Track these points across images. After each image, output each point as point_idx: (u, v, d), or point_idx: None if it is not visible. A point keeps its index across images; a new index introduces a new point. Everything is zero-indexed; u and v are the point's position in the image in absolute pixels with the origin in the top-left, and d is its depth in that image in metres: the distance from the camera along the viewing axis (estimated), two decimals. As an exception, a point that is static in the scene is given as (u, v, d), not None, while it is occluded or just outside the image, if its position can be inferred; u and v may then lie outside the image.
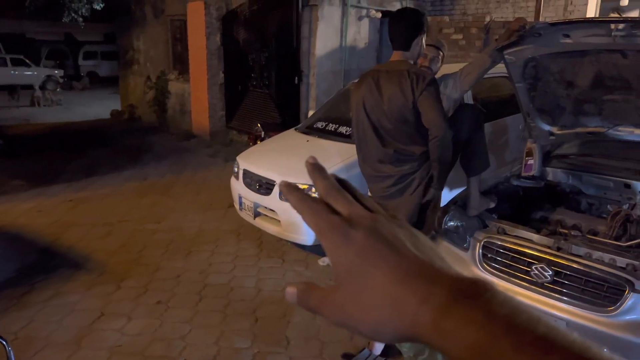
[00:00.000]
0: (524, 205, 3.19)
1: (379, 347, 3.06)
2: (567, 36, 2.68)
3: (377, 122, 2.84)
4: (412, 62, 2.87)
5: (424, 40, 2.91)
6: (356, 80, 5.51)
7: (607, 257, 2.39)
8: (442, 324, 0.36)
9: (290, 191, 0.47)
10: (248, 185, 4.66)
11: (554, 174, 3.38)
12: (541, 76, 3.05)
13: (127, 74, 12.85)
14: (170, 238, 4.97)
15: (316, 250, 4.45)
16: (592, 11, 6.66)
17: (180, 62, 10.53)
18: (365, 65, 7.78)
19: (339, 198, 0.46)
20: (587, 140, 3.36)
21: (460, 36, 7.68)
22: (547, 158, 3.46)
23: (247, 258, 4.51)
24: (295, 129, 5.34)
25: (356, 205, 0.46)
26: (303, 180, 4.40)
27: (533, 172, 3.40)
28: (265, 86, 8.25)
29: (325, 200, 0.47)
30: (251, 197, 4.59)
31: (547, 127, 3.34)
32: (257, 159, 4.84)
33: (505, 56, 3.00)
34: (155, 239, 4.94)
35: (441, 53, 3.31)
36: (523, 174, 3.42)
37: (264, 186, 4.49)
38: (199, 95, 9.48)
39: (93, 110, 14.75)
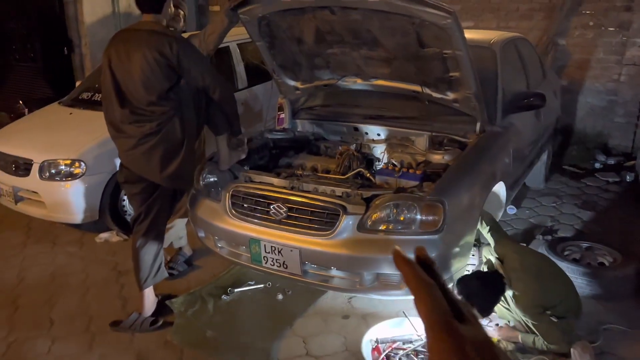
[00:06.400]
0: (274, 155, 3.46)
1: (149, 309, 3.09)
2: (285, -6, 2.92)
3: (122, 82, 2.84)
4: (163, 23, 2.90)
5: (171, 2, 2.97)
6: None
7: (329, 189, 2.75)
8: None
9: (401, 265, 0.52)
10: (3, 168, 4.19)
11: (302, 125, 3.72)
12: (275, 34, 3.29)
13: None
14: None
15: (92, 227, 4.23)
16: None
17: None
18: (144, 33, 7.43)
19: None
20: (326, 93, 3.76)
21: (217, 8, 7.79)
22: (296, 111, 3.78)
23: (11, 248, 4.10)
24: (59, 103, 4.92)
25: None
26: (64, 155, 4.10)
27: (285, 125, 3.69)
28: (30, 59, 7.39)
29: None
30: (8, 180, 4.15)
31: (292, 83, 3.63)
32: (10, 138, 4.37)
33: (241, 15, 3.16)
34: None
35: (181, 12, 3.37)
36: (277, 128, 3.69)
37: (21, 167, 4.08)
38: (-52, 74, 8.08)
39: None
